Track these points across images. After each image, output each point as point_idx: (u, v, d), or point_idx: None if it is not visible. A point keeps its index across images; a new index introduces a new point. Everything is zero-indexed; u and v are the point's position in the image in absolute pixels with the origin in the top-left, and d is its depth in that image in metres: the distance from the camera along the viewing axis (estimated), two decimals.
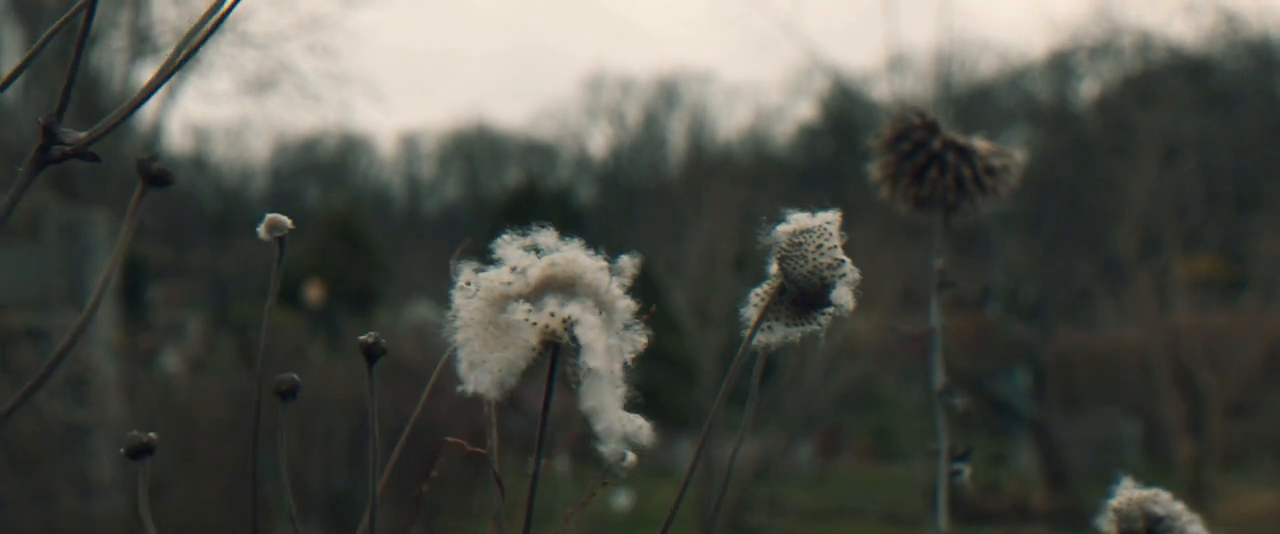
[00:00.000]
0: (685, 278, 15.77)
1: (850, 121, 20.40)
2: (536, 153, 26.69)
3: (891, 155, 1.61)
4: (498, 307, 0.85)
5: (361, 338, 0.95)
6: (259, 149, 25.05)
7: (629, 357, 0.85)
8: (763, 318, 0.95)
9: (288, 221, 0.98)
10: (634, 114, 26.01)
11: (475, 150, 27.14)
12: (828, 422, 16.74)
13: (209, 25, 0.83)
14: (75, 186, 14.19)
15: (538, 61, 32.37)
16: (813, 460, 17.26)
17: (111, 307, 12.91)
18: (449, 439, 0.98)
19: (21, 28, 14.93)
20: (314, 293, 17.03)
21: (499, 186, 25.43)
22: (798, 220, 0.95)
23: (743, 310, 0.96)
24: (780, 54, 31.18)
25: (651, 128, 25.78)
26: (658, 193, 21.79)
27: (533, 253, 0.87)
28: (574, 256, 0.86)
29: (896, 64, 19.64)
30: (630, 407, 0.85)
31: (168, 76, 0.86)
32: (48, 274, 12.20)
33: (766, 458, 14.99)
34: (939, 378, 1.61)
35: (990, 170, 1.61)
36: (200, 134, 23.33)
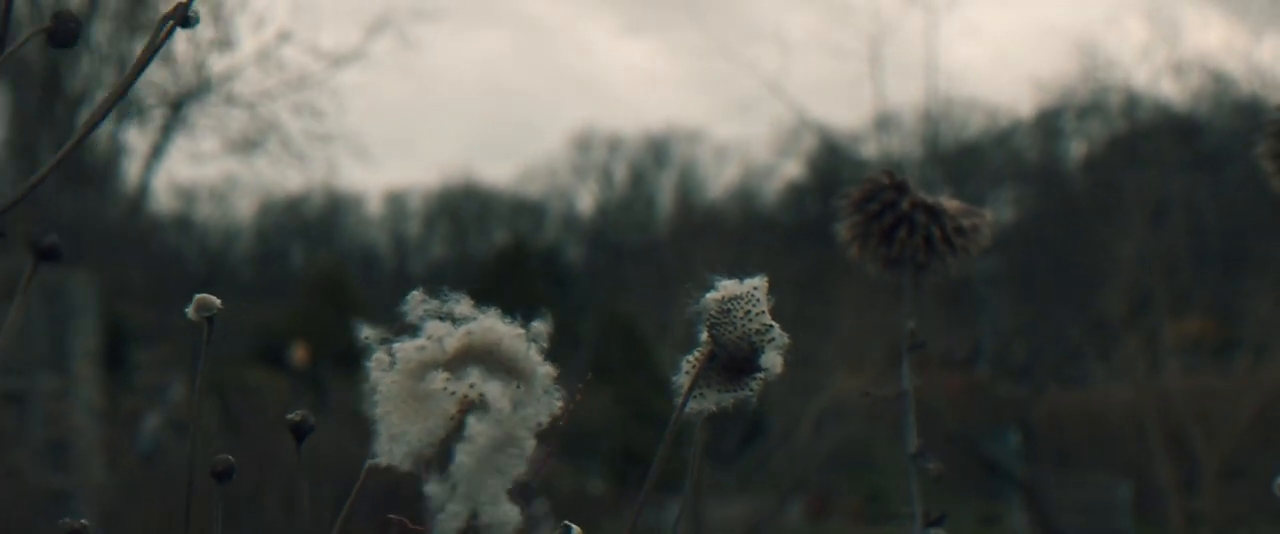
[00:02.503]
0: (674, 337, 15.69)
1: (839, 180, 20.39)
2: (524, 211, 26.66)
3: (860, 216, 1.62)
4: (415, 377, 0.85)
5: (289, 416, 0.96)
6: (245, 209, 24.99)
7: (544, 422, 0.86)
8: (694, 385, 0.98)
9: (216, 302, 0.99)
10: (622, 172, 26.02)
11: (462, 209, 27.11)
12: (817, 483, 16.60)
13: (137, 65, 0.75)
14: (57, 249, 14.07)
15: (525, 120, 32.47)
16: (802, 522, 17.11)
17: (93, 370, 12.78)
18: (393, 517, 0.94)
19: (5, 89, 14.85)
20: (299, 354, 16.90)
21: (486, 245, 25.38)
22: (726, 287, 0.97)
23: (675, 378, 0.98)
24: (768, 113, 31.29)
25: (640, 186, 25.77)
26: (646, 251, 21.74)
27: (449, 322, 0.87)
28: (490, 325, 0.87)
29: (884, 123, 19.68)
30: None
31: (100, 119, 0.81)
32: (28, 336, 12.06)
33: (755, 519, 14.84)
34: (913, 440, 1.62)
35: (960, 230, 1.62)
36: (185, 194, 23.27)
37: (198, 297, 0.98)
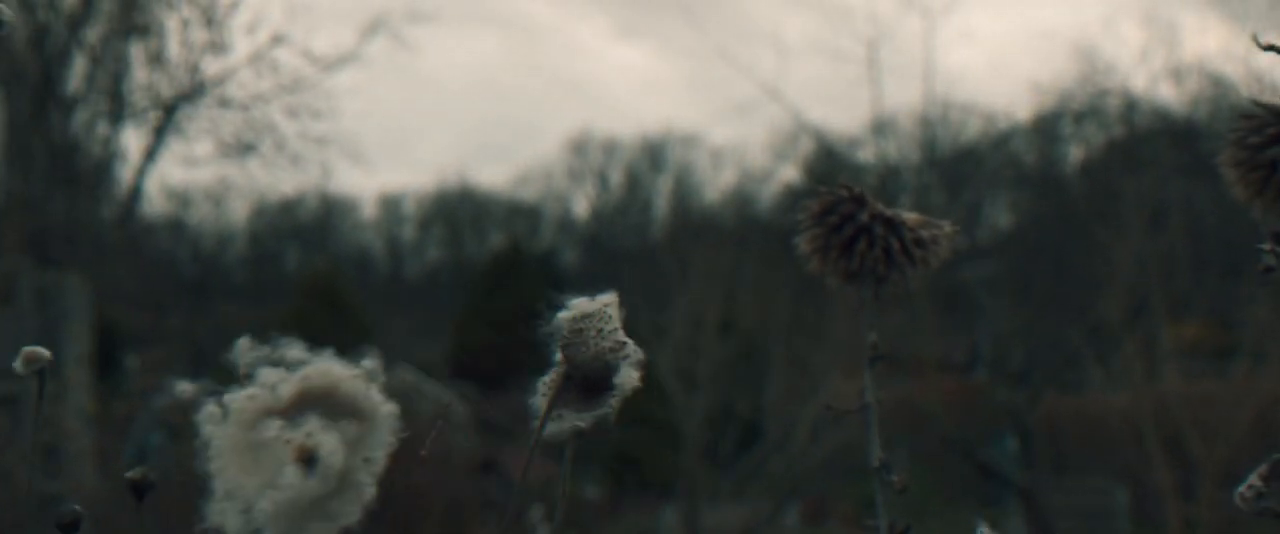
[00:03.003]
0: (670, 341, 15.61)
1: (835, 185, 20.30)
2: (520, 215, 26.60)
3: (819, 229, 1.63)
4: (250, 428, 0.81)
5: (127, 475, 0.93)
6: (239, 212, 24.91)
7: (381, 463, 0.83)
8: (551, 408, 0.96)
9: (46, 354, 0.95)
10: (618, 176, 25.97)
11: (458, 212, 27.05)
12: (814, 488, 16.54)
13: None
14: (49, 251, 14.02)
15: (519, 123, 32.41)
16: (799, 527, 17.06)
17: (86, 374, 12.70)
18: None
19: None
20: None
21: (482, 249, 25.31)
22: (577, 306, 0.96)
23: (531, 400, 0.96)
24: (766, 117, 31.24)
25: (636, 190, 25.72)
26: (642, 255, 21.67)
27: (282, 368, 0.83)
28: (327, 369, 0.84)
29: (881, 127, 19.63)
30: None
31: None
32: (21, 339, 11.96)
33: (752, 524, 14.78)
34: (876, 452, 1.64)
35: (919, 242, 1.62)
36: (179, 198, 23.19)
37: (25, 349, 0.94)
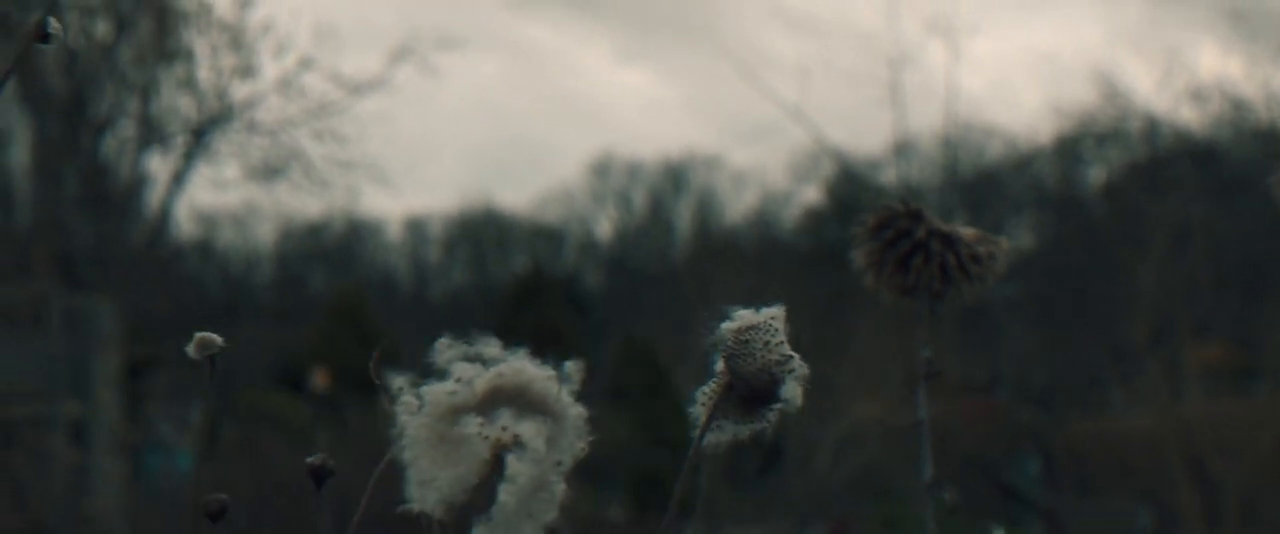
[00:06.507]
0: (692, 363, 15.68)
1: (857, 207, 20.36)
2: (543, 237, 26.70)
3: (875, 243, 1.61)
4: (446, 421, 0.84)
5: (309, 460, 0.95)
6: (266, 235, 25.08)
7: (570, 465, 0.85)
8: (712, 417, 0.95)
9: (218, 340, 0.95)
10: (641, 199, 26.05)
11: (482, 235, 27.16)
12: (837, 509, 16.55)
13: None
14: (79, 275, 14.16)
15: (530, 146, 32.57)
16: None
17: (114, 396, 12.82)
18: None
19: (30, 116, 14.97)
20: (320, 379, 16.94)
21: (506, 271, 25.41)
22: (743, 317, 0.95)
23: (690, 409, 0.96)
24: (787, 139, 31.31)
25: (658, 212, 25.79)
26: (665, 277, 21.74)
27: (479, 364, 0.86)
28: (521, 367, 0.86)
29: (903, 149, 19.68)
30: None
31: None
32: (52, 363, 12.12)
33: None
34: (928, 470, 1.61)
35: (975, 258, 1.61)
36: (207, 221, 23.37)
37: (199, 335, 0.99)
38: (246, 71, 16.34)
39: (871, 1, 30.11)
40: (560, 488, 0.84)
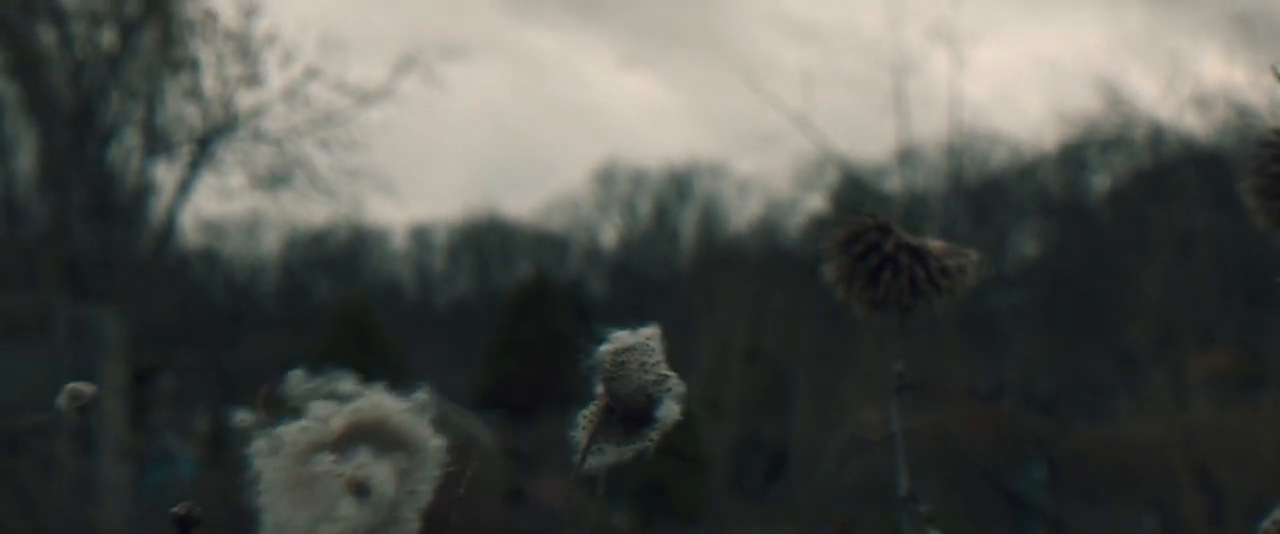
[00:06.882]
0: (697, 370, 15.69)
1: (861, 214, 20.32)
2: (547, 245, 26.73)
3: (845, 258, 1.61)
4: (302, 461, 0.81)
5: (173, 511, 0.92)
6: (271, 244, 25.11)
7: (427, 496, 0.83)
8: (592, 441, 0.95)
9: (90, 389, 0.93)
10: (645, 206, 26.07)
11: (486, 243, 27.18)
12: (841, 515, 16.55)
13: None
14: (85, 284, 14.18)
15: (534, 153, 32.63)
16: None
17: (120, 405, 12.84)
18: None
19: (36, 126, 15.00)
20: None
21: (510, 279, 25.43)
22: (619, 339, 0.96)
23: (572, 434, 0.95)
24: (791, 147, 31.34)
25: (663, 220, 25.81)
26: (669, 285, 21.75)
27: (335, 401, 0.83)
28: (377, 401, 0.84)
29: (908, 157, 19.69)
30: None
31: None
32: (57, 372, 12.14)
33: None
34: (903, 482, 1.63)
35: (945, 271, 1.61)
36: (213, 230, 23.41)
37: (69, 387, 0.97)
38: (252, 81, 16.38)
39: (875, 9, 30.16)
40: (415, 525, 0.82)
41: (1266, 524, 1.45)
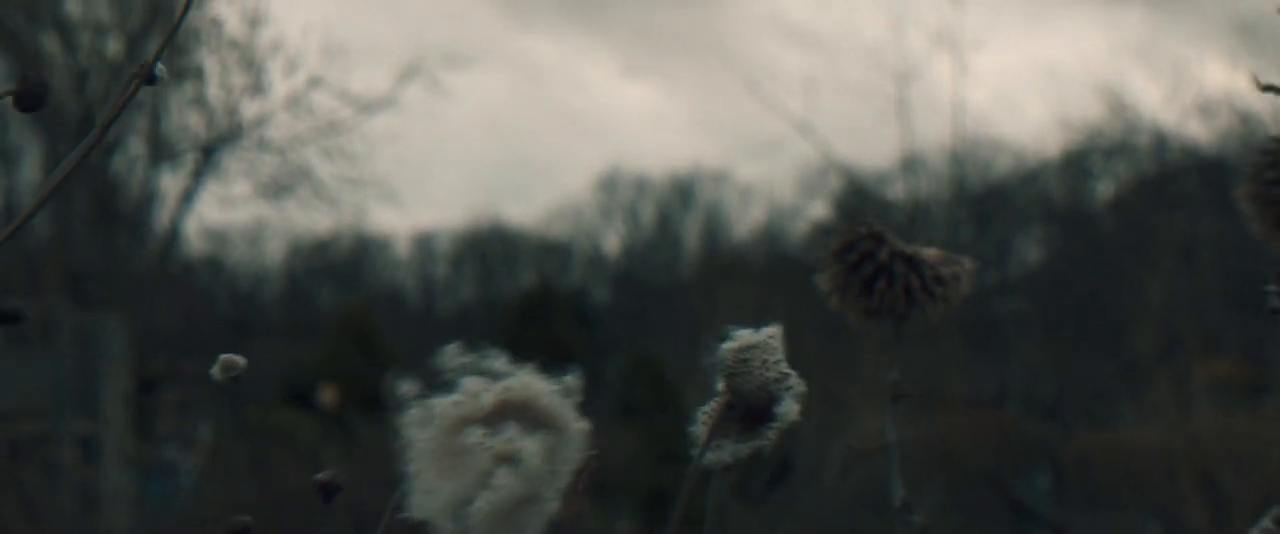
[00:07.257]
0: (700, 378, 15.67)
1: (857, 221, 20.32)
2: (550, 253, 26.74)
3: (839, 267, 1.61)
4: (451, 434, 0.85)
5: (317, 476, 0.98)
6: (274, 252, 25.13)
7: (569, 475, 0.86)
8: (712, 436, 0.98)
9: (241, 361, 0.96)
10: (648, 213, 26.08)
11: (489, 251, 27.20)
12: (845, 524, 16.54)
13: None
14: (88, 293, 14.20)
15: (535, 160, 32.66)
16: None
17: (123, 413, 12.85)
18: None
19: (40, 135, 15.02)
20: (328, 396, 16.96)
21: (513, 286, 25.44)
22: (742, 337, 0.97)
23: (690, 429, 0.98)
24: (794, 154, 31.36)
25: (666, 227, 25.82)
26: (672, 292, 21.76)
27: (487, 378, 0.87)
28: (527, 381, 0.87)
29: (910, 164, 19.69)
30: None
31: None
32: (60, 379, 12.16)
33: None
34: (898, 492, 1.64)
35: (939, 280, 1.60)
36: (216, 238, 23.44)
37: (223, 357, 1.00)
38: (256, 90, 16.42)
39: (877, 16, 30.19)
40: (554, 505, 0.84)
41: (1265, 523, 1.44)
